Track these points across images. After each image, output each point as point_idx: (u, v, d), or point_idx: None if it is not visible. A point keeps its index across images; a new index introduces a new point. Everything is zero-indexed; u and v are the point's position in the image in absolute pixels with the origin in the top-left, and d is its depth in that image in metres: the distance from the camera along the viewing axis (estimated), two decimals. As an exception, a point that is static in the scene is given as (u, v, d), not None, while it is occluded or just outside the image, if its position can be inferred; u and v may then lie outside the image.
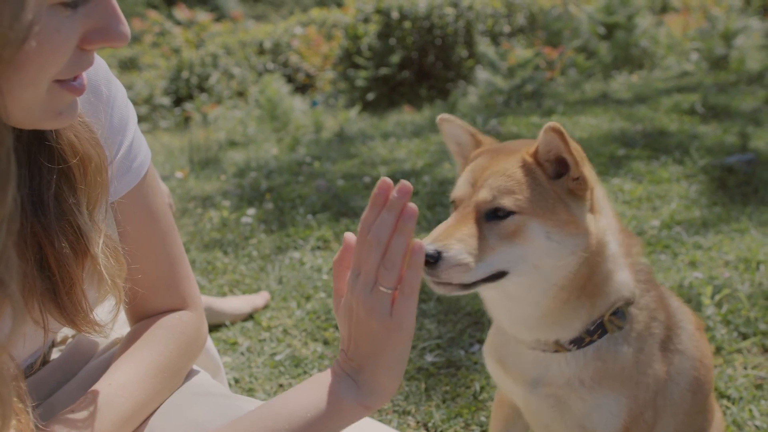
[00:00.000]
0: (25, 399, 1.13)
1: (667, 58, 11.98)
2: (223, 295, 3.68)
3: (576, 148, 1.57)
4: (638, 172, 5.31)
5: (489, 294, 1.71)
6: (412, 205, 1.18)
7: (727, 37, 10.45)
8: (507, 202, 1.55)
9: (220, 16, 20.87)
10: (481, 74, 9.33)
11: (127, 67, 15.58)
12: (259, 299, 3.48)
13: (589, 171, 1.61)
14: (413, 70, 11.16)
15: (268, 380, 2.90)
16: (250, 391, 2.84)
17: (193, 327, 1.58)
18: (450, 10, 11.26)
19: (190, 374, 1.61)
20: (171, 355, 1.48)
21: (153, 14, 16.94)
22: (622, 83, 10.19)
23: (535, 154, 1.61)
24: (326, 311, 3.41)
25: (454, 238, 1.54)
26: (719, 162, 5.29)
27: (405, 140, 6.91)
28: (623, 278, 1.67)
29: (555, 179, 1.60)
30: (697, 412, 1.84)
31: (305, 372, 2.94)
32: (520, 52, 9.76)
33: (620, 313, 1.65)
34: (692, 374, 1.77)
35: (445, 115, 1.81)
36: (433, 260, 1.50)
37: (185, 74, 13.23)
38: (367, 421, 2.36)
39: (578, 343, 1.65)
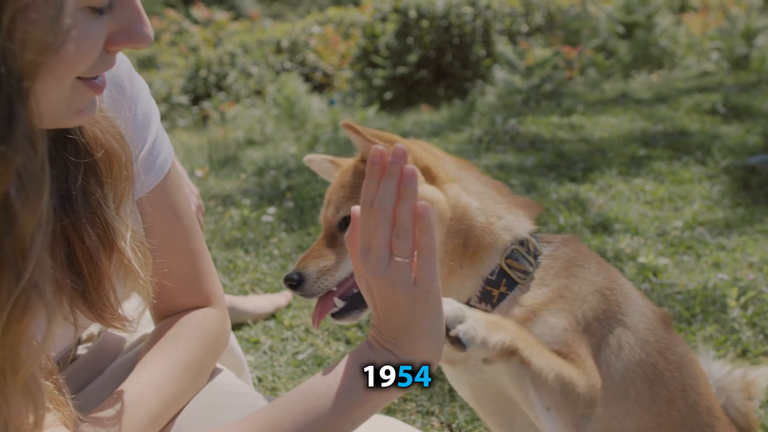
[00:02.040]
0: (64, 392, 1.14)
1: (687, 57, 11.91)
2: (245, 293, 3.69)
3: (378, 135, 1.72)
4: (660, 172, 5.27)
5: None
6: (411, 167, 1.14)
7: (748, 37, 10.36)
8: (347, 211, 1.71)
9: (237, 15, 20.93)
10: (499, 74, 9.30)
11: (145, 65, 15.66)
12: (281, 298, 3.48)
13: (415, 149, 1.77)
14: (431, 70, 11.15)
15: (291, 379, 2.91)
16: (273, 390, 2.84)
17: (217, 324, 1.59)
18: (468, 9, 11.24)
19: (215, 373, 1.61)
20: (196, 353, 1.49)
21: (171, 13, 17.01)
22: (641, 83, 10.14)
23: (362, 156, 1.79)
24: (348, 311, 3.40)
25: (310, 257, 1.73)
26: (742, 162, 5.25)
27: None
28: (506, 223, 1.73)
29: None
30: (675, 421, 1.72)
31: (328, 371, 2.93)
32: (538, 51, 9.73)
33: (515, 255, 1.69)
34: (641, 356, 1.70)
35: (308, 156, 2.00)
36: (296, 282, 1.69)
37: (203, 73, 13.29)
38: (391, 421, 2.36)
39: (487, 299, 1.68)
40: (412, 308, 1.19)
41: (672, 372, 1.73)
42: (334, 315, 1.72)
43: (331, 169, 1.95)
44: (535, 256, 1.72)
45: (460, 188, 1.74)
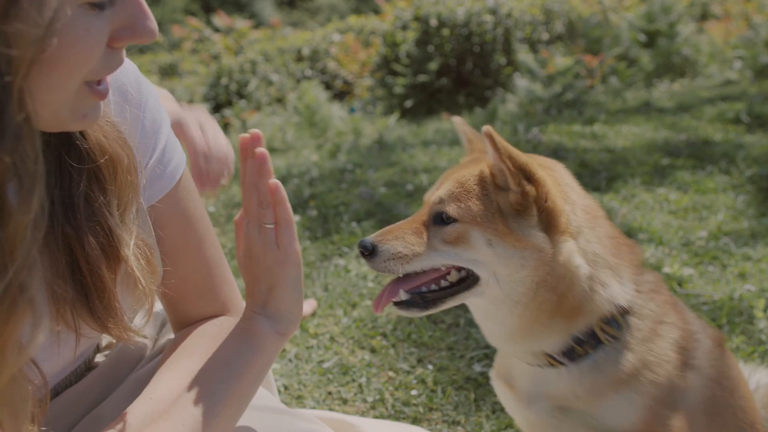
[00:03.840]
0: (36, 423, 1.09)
1: (710, 66, 11.84)
2: (270, 301, 3.70)
3: (517, 159, 1.57)
4: (683, 181, 5.25)
5: (474, 313, 1.77)
6: (260, 150, 1.35)
7: (772, 45, 10.29)
8: (450, 209, 1.62)
9: (258, 23, 21.04)
10: (520, 82, 9.29)
11: (167, 73, 15.79)
12: (306, 307, 3.49)
13: (546, 190, 1.59)
14: (451, 78, 11.16)
15: (317, 387, 2.92)
16: (299, 398, 2.86)
17: None
18: (488, 18, 11.23)
19: None
20: None
21: (193, 21, 17.12)
22: (664, 92, 10.10)
23: (490, 167, 1.64)
24: (372, 319, 3.42)
25: (393, 234, 1.67)
26: (766, 172, 5.21)
27: (446, 148, 6.92)
28: (612, 292, 1.63)
29: (506, 189, 1.62)
30: None
31: (353, 380, 2.95)
32: (559, 59, 9.70)
33: (612, 322, 1.63)
34: (704, 393, 1.68)
35: (457, 118, 1.92)
36: (367, 252, 1.66)
37: (224, 81, 13.34)
38: (417, 431, 2.36)
39: (570, 355, 1.63)
40: (277, 269, 1.38)
41: (726, 399, 1.73)
42: (396, 303, 1.69)
43: (467, 146, 1.90)
44: (624, 315, 1.66)
45: (575, 246, 1.61)
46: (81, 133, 1.21)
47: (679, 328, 1.69)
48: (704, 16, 16.23)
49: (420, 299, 1.68)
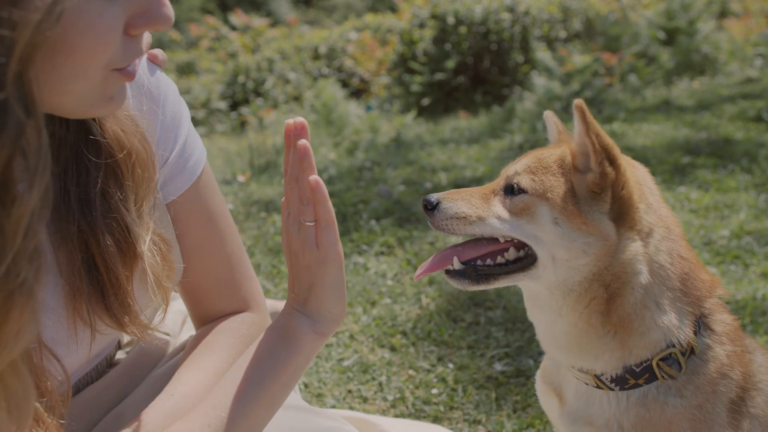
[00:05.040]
0: (56, 414, 1.10)
1: (730, 63, 11.74)
2: (289, 299, 3.71)
3: (603, 138, 1.51)
4: (704, 180, 5.20)
5: (527, 302, 1.70)
6: (302, 143, 1.25)
7: (792, 43, 10.20)
8: (522, 180, 1.58)
9: (275, 21, 21.08)
10: (538, 80, 9.27)
11: (184, 71, 15.85)
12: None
13: (625, 179, 1.54)
14: (468, 76, 11.14)
15: (337, 386, 2.92)
16: (319, 396, 2.85)
17: (255, 329, 1.55)
18: (506, 16, 11.21)
19: None
20: (233, 360, 1.45)
21: (210, 20, 17.18)
22: (683, 90, 10.02)
23: (572, 150, 1.61)
24: (392, 317, 3.41)
25: (459, 195, 1.64)
26: (789, 171, 5.16)
27: (464, 146, 6.90)
28: (668, 321, 1.54)
29: (585, 172, 1.56)
30: None
31: (373, 378, 2.94)
32: (577, 57, 9.66)
33: (672, 360, 1.54)
34: (765, 411, 1.60)
35: (548, 112, 1.86)
36: (430, 206, 1.62)
37: (241, 79, 13.41)
38: (438, 429, 2.35)
39: (621, 383, 1.57)
40: (316, 269, 1.31)
41: None
42: (448, 272, 1.64)
43: (555, 137, 1.82)
44: (683, 353, 1.57)
45: (642, 250, 1.54)
46: (100, 127, 1.20)
47: (738, 387, 1.59)
48: (723, 14, 16.10)
49: (473, 271, 1.62)
